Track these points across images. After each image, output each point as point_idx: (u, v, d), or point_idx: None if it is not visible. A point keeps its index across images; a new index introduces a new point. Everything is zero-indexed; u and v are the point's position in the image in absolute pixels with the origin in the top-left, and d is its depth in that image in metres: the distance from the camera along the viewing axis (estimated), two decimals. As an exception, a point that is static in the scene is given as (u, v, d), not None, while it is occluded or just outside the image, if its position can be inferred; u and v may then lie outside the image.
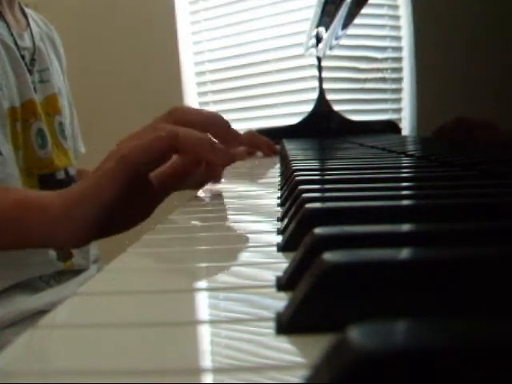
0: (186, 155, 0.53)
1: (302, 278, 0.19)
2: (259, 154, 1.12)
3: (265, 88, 1.99)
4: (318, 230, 0.23)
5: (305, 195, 0.34)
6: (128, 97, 2.02)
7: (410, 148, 0.78)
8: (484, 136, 0.48)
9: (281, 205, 0.43)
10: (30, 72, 0.77)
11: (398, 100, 0.84)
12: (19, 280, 0.70)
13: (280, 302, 0.20)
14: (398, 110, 0.86)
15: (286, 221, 0.34)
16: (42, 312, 0.68)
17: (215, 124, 0.53)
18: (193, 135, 0.48)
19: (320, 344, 0.15)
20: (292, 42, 1.91)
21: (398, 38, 0.81)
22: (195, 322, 0.19)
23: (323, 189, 0.42)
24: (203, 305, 0.22)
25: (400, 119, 0.87)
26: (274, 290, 0.22)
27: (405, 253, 0.19)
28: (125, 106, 2.01)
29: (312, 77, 1.69)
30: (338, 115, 1.34)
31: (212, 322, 0.19)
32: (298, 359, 0.16)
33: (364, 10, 0.95)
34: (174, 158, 0.53)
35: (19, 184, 0.71)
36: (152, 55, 1.99)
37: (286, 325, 0.17)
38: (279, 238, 0.31)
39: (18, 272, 0.70)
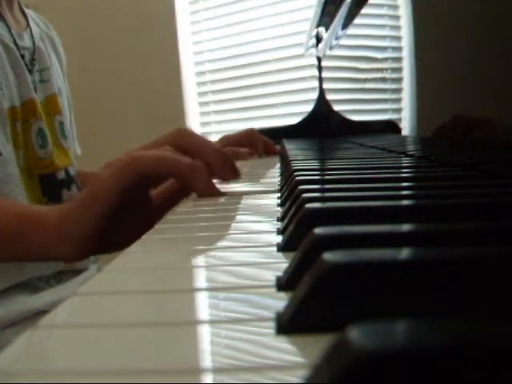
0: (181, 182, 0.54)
1: (301, 278, 0.19)
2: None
3: (265, 88, 1.99)
4: (317, 230, 0.23)
5: (305, 195, 0.34)
6: (128, 97, 2.02)
7: (410, 148, 0.78)
8: (484, 135, 0.48)
9: (281, 205, 0.43)
10: (30, 72, 0.77)
11: (398, 100, 0.84)
12: (19, 280, 0.70)
13: (280, 301, 0.20)
14: (398, 110, 0.86)
15: (285, 221, 0.34)
16: (42, 312, 0.68)
17: (216, 158, 0.55)
18: (197, 171, 0.48)
19: (320, 344, 0.15)
20: (292, 42, 1.91)
21: (398, 38, 0.81)
22: (195, 322, 0.19)
23: (323, 189, 0.43)
24: (203, 305, 0.22)
25: (400, 119, 0.87)
26: (274, 289, 0.22)
27: (405, 253, 0.19)
28: (125, 105, 2.02)
29: (312, 77, 1.69)
30: (337, 115, 1.34)
31: (212, 322, 0.19)
32: (298, 359, 0.16)
33: (364, 10, 0.95)
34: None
35: (20, 184, 0.71)
36: (152, 55, 1.99)
37: (286, 325, 0.17)
38: (279, 238, 0.31)
39: (18, 272, 0.70)
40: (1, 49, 0.72)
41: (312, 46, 1.42)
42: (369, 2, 0.91)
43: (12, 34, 0.75)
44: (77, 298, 0.22)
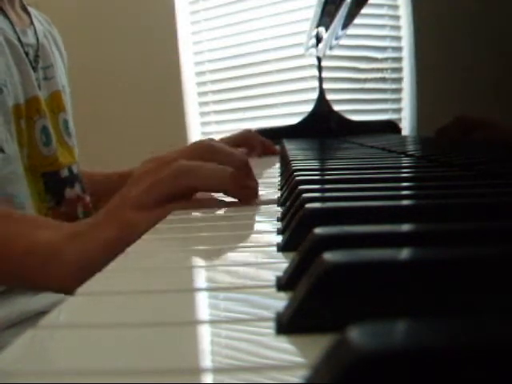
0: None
1: (302, 278, 0.19)
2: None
3: (265, 88, 1.99)
4: (318, 230, 0.23)
5: (305, 195, 0.34)
6: (128, 96, 2.02)
7: (410, 148, 0.78)
8: (484, 136, 0.48)
9: (281, 205, 0.43)
10: (34, 69, 0.77)
11: (398, 100, 0.84)
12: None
13: (280, 301, 0.20)
14: (398, 110, 0.86)
15: (285, 221, 0.34)
16: (42, 313, 0.67)
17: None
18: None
19: (320, 344, 0.15)
20: (292, 42, 1.91)
21: (398, 38, 0.81)
22: (195, 322, 0.19)
23: (323, 189, 0.43)
24: (203, 305, 0.22)
25: (400, 119, 0.87)
26: (274, 289, 0.22)
27: (405, 253, 0.19)
28: (125, 105, 2.01)
29: (312, 77, 1.69)
30: (337, 115, 1.34)
31: (212, 322, 0.19)
32: (298, 359, 0.16)
33: (364, 10, 0.95)
34: None
35: (23, 182, 0.71)
36: (152, 55, 1.99)
37: (286, 325, 0.17)
38: (279, 238, 0.31)
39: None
40: (5, 45, 0.72)
41: (312, 46, 1.42)
42: (369, 1, 0.91)
43: (16, 31, 0.75)
44: (77, 299, 0.22)
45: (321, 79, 1.41)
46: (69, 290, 0.51)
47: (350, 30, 1.08)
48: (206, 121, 2.09)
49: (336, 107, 1.36)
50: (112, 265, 0.28)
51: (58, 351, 0.17)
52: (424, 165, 0.59)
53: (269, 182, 0.62)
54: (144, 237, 0.35)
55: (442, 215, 0.28)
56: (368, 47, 1.07)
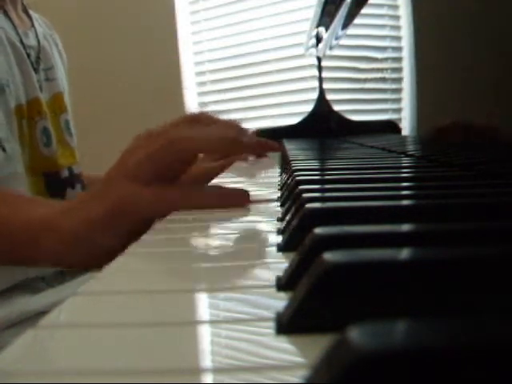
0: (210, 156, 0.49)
1: (302, 278, 0.19)
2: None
3: (265, 88, 1.99)
4: (318, 230, 0.23)
5: (305, 195, 0.34)
6: (128, 96, 2.02)
7: (410, 148, 0.78)
8: (483, 136, 0.48)
9: (281, 205, 0.43)
10: (36, 70, 0.77)
11: (398, 100, 0.84)
12: (20, 280, 0.70)
13: (280, 301, 0.20)
14: (398, 110, 0.86)
15: (285, 221, 0.34)
16: (42, 313, 0.67)
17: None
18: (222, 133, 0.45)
19: (320, 344, 0.14)
20: (292, 42, 1.91)
21: (398, 38, 0.81)
22: (195, 322, 0.19)
23: (323, 189, 0.43)
24: (203, 305, 0.22)
25: (400, 119, 0.87)
26: (273, 289, 0.22)
27: (405, 253, 0.19)
28: (125, 105, 2.01)
29: (312, 77, 1.69)
30: (337, 115, 1.34)
31: (212, 322, 0.19)
32: (298, 359, 0.16)
33: (364, 10, 0.95)
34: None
35: (24, 182, 0.71)
36: (152, 55, 1.99)
37: (286, 325, 0.17)
38: (279, 238, 0.31)
39: (18, 272, 0.70)
40: (7, 46, 0.72)
41: (312, 46, 1.42)
42: (369, 1, 0.91)
43: (18, 33, 0.76)
44: (77, 298, 0.22)
45: (321, 79, 1.41)
46: (63, 262, 0.51)
47: (350, 30, 1.08)
48: (205, 121, 2.09)
49: (336, 107, 1.36)
50: (112, 265, 0.28)
51: (58, 351, 0.17)
52: (424, 165, 0.59)
53: (269, 182, 0.62)
54: (144, 237, 0.35)
55: (442, 215, 0.28)
56: (368, 47, 1.07)
